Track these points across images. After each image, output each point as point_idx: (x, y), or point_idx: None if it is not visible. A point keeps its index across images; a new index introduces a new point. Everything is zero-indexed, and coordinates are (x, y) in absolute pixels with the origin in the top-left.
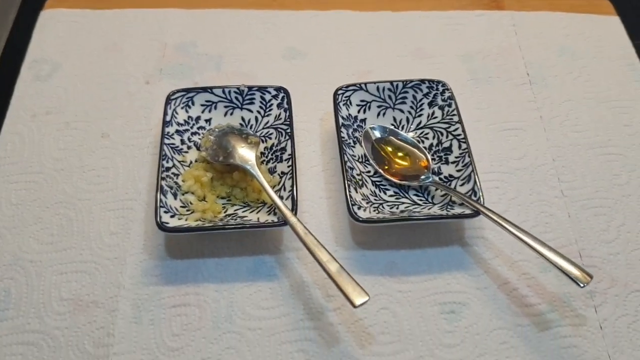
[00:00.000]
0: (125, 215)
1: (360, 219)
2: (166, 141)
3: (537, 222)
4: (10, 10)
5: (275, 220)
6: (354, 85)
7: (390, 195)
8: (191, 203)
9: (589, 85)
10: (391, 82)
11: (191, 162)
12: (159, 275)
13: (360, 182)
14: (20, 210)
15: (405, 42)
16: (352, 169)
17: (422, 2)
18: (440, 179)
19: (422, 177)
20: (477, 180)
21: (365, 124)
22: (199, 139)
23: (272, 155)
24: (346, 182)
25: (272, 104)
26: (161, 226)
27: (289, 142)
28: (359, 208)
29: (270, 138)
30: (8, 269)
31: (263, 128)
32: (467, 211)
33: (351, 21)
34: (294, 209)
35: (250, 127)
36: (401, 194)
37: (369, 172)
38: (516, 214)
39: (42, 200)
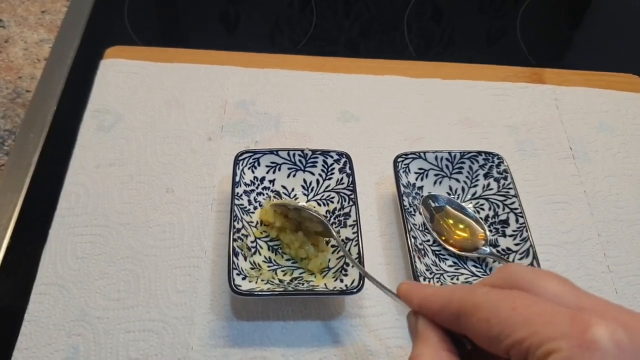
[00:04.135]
0: (191, 273)
1: None
2: (236, 202)
3: None
4: (68, 55)
5: (343, 287)
6: (413, 153)
7: (450, 266)
8: (260, 266)
9: (628, 162)
10: (449, 152)
11: (257, 223)
12: (226, 336)
13: (423, 252)
14: (86, 264)
15: (455, 110)
16: (415, 238)
17: (467, 72)
18: (497, 251)
19: (480, 248)
20: (536, 255)
21: (422, 192)
22: (263, 199)
23: (334, 219)
24: (412, 252)
25: (333, 168)
26: (235, 290)
27: (353, 207)
28: (424, 279)
29: (332, 202)
30: (76, 325)
31: (324, 191)
32: None
33: (401, 86)
34: (361, 276)
35: (312, 190)
36: (460, 265)
37: (428, 241)
38: None
39: (108, 255)
